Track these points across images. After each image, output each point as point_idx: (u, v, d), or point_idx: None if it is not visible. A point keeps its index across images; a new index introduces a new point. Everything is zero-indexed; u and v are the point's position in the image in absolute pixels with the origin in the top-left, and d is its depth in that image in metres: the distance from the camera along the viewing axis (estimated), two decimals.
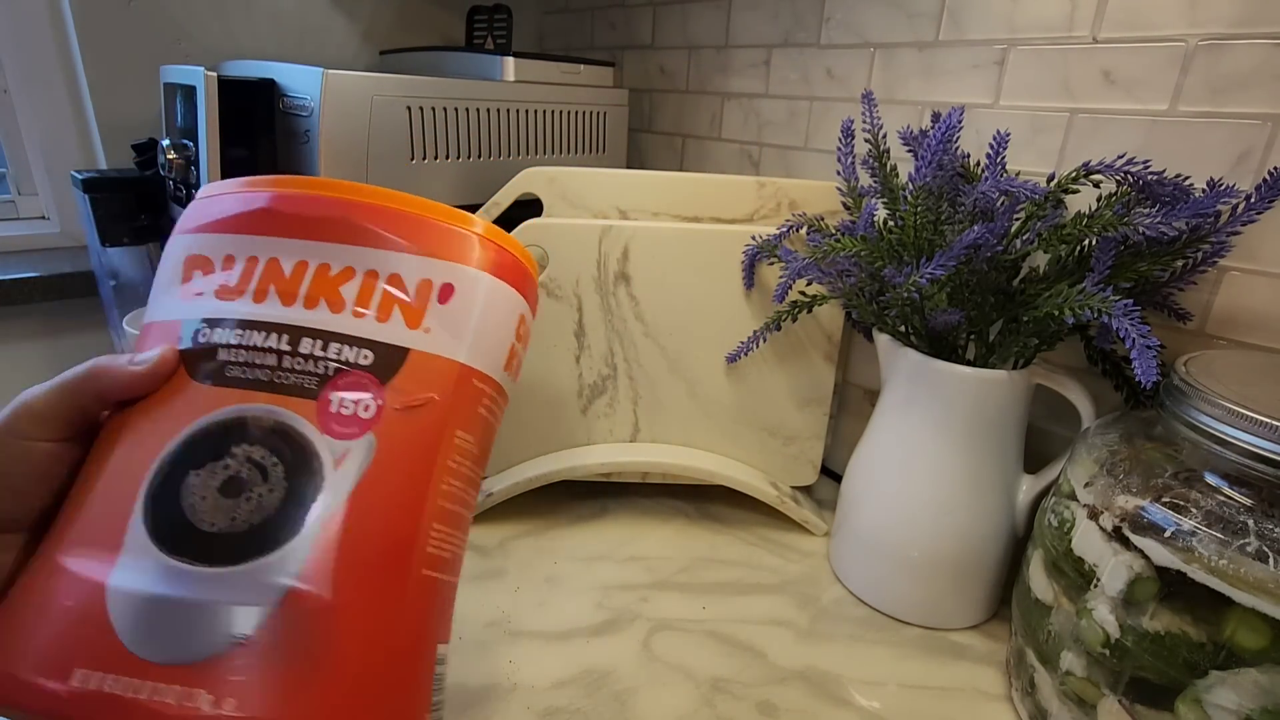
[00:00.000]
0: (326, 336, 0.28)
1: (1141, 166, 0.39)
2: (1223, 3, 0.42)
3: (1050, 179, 0.43)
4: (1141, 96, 0.46)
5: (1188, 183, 0.40)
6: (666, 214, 0.56)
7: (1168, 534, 0.33)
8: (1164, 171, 0.39)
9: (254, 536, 0.25)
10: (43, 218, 0.74)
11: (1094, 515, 0.37)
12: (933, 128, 0.44)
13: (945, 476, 0.47)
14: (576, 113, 0.69)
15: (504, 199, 0.56)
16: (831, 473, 0.68)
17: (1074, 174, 0.41)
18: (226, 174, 0.53)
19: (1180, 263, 0.43)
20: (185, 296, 0.29)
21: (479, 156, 0.62)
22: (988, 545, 0.48)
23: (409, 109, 0.56)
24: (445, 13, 0.87)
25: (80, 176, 0.60)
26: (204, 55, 0.71)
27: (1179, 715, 0.33)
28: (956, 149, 0.45)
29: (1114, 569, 0.35)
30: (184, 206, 0.59)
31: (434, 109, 0.57)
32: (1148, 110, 0.46)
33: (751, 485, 0.59)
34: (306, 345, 0.27)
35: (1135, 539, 0.34)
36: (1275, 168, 0.38)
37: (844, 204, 0.55)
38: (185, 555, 0.25)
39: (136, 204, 0.61)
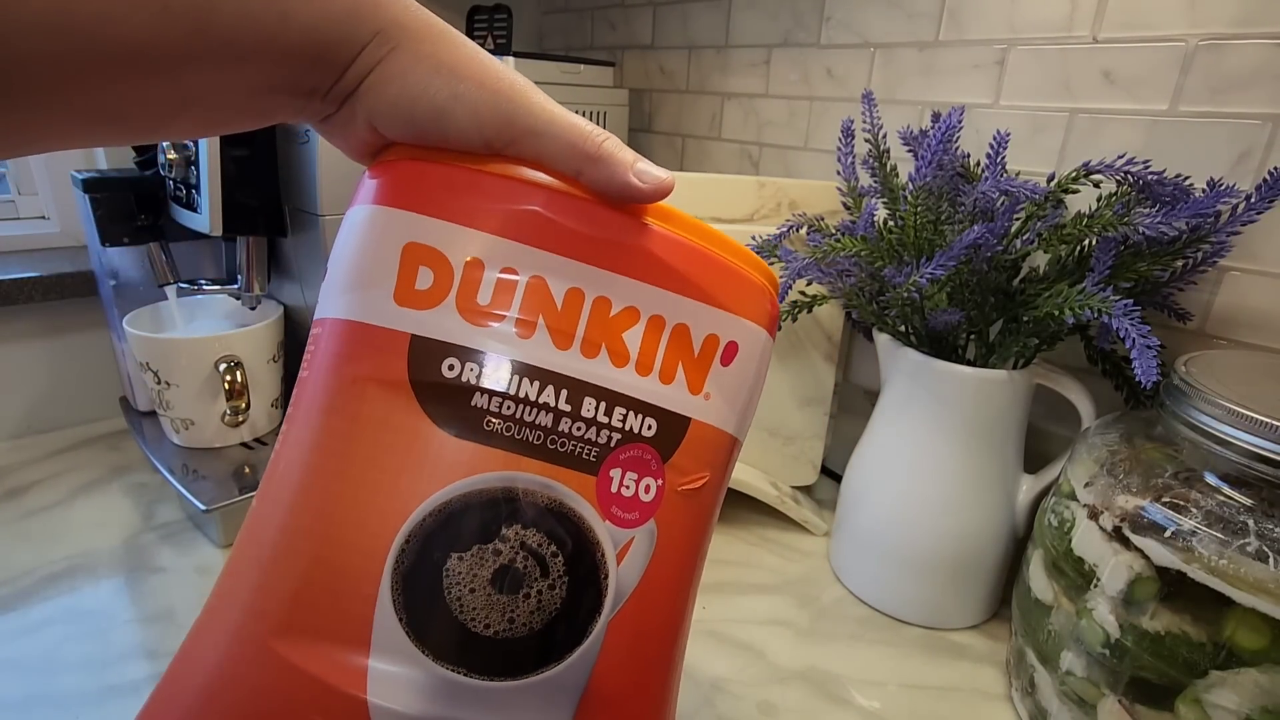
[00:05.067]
0: (611, 398, 0.22)
1: (1141, 166, 0.39)
2: (1223, 3, 0.42)
3: (1050, 179, 0.43)
4: (1141, 96, 0.46)
5: (1188, 183, 0.40)
6: None
7: (1168, 534, 0.33)
8: (1164, 171, 0.39)
9: (537, 643, 0.21)
10: (43, 218, 0.74)
11: (1094, 515, 0.37)
12: (933, 128, 0.44)
13: (945, 476, 0.47)
14: (576, 112, 0.69)
15: None
16: (831, 473, 0.68)
17: (1074, 174, 0.41)
18: (225, 173, 0.53)
19: (1180, 263, 0.43)
20: (410, 301, 0.22)
21: None
22: (988, 545, 0.48)
23: None
24: (445, 13, 0.86)
25: (80, 176, 0.60)
26: None
27: (1179, 715, 0.33)
28: (956, 149, 0.45)
29: (1114, 569, 0.35)
30: (184, 206, 0.60)
31: None
32: (1148, 110, 0.46)
33: (751, 485, 0.59)
34: (589, 407, 0.22)
35: (1135, 539, 0.34)
36: (1275, 168, 0.38)
37: (844, 204, 0.55)
38: (458, 663, 0.20)
39: (136, 204, 0.61)
